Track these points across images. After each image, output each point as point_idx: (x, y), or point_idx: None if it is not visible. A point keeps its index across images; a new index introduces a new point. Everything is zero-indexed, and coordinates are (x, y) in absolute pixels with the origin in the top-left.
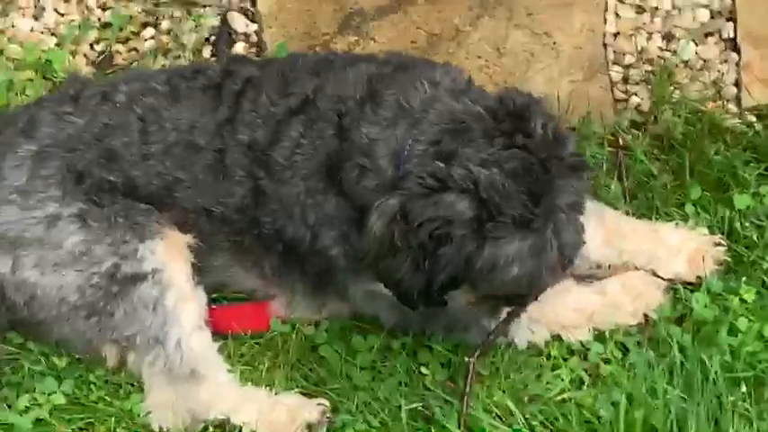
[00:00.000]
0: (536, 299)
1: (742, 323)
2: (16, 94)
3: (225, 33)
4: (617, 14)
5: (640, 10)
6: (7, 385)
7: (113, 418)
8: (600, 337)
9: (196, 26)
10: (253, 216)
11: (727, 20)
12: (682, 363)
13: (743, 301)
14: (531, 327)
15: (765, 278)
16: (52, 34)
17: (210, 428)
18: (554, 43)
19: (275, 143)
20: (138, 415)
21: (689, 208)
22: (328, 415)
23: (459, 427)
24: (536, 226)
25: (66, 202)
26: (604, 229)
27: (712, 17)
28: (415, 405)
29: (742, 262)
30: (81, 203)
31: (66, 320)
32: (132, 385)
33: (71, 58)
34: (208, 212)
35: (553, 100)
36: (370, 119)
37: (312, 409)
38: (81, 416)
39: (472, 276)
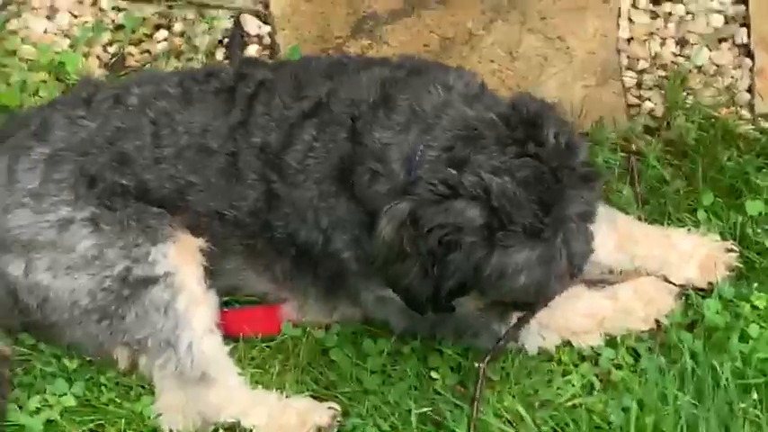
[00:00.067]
0: (545, 305)
1: (753, 330)
2: (29, 95)
3: (238, 36)
4: (630, 20)
5: (654, 15)
6: (19, 386)
7: (124, 420)
8: (611, 342)
9: (209, 28)
10: (265, 220)
11: (741, 25)
12: (693, 369)
13: (754, 307)
14: (541, 332)
15: None
16: (65, 36)
17: (221, 431)
18: (567, 48)
19: (288, 146)
20: (149, 417)
21: (701, 214)
22: (338, 419)
23: None
24: (546, 235)
25: (78, 205)
26: (616, 234)
27: (726, 23)
28: (425, 409)
29: (754, 268)
30: (93, 207)
31: (78, 323)
32: (143, 387)
33: (84, 59)
34: (220, 216)
35: (566, 105)
36: (382, 123)
37: (322, 413)
38: (91, 417)
39: (481, 283)
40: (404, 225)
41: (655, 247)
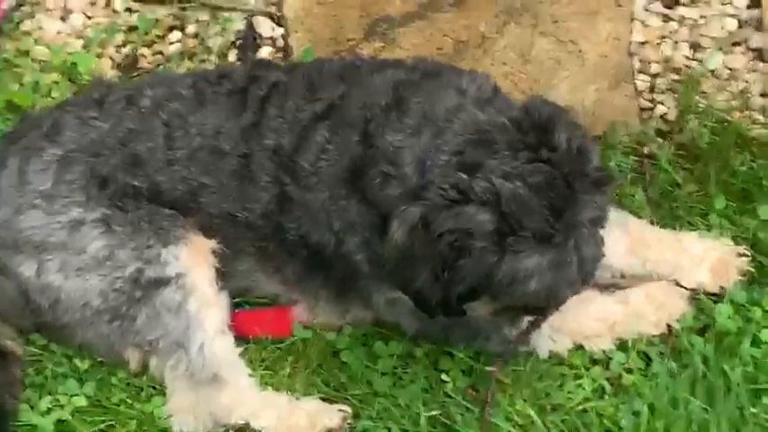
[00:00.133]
0: (556, 310)
1: (765, 334)
2: (42, 96)
3: (250, 38)
4: (643, 23)
5: (667, 19)
6: (30, 386)
7: (134, 421)
8: (622, 346)
9: (222, 30)
10: (277, 222)
11: (755, 29)
12: (704, 373)
13: (766, 312)
14: (553, 336)
15: None
16: (79, 37)
17: None
18: (579, 51)
19: (301, 149)
20: (160, 418)
21: (713, 218)
22: (349, 421)
23: None
24: (557, 241)
25: (90, 206)
26: (628, 238)
27: (740, 26)
28: (435, 412)
29: (766, 273)
30: (105, 208)
31: (89, 324)
32: (154, 388)
33: (97, 60)
34: (232, 218)
35: (578, 108)
36: (394, 126)
37: (332, 415)
38: (102, 418)
39: (492, 288)
40: (415, 229)
41: (666, 251)
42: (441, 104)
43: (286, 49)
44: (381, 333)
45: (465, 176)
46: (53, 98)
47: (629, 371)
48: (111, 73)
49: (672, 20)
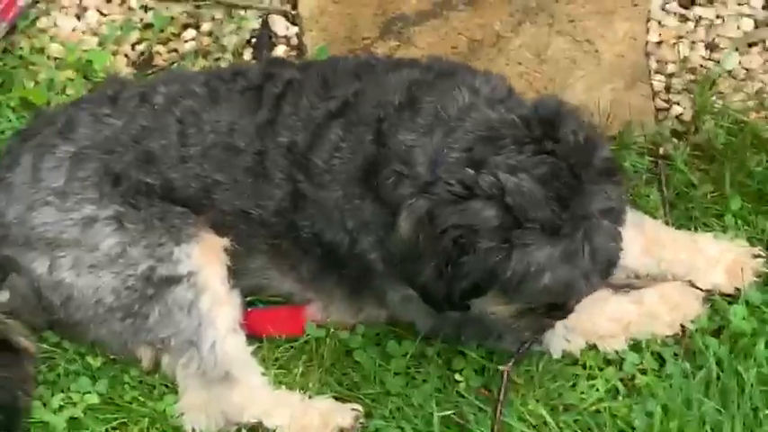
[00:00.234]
0: (574, 309)
1: None
2: (56, 94)
3: (265, 36)
4: (660, 23)
5: (684, 19)
6: (43, 384)
7: (147, 419)
8: (636, 347)
9: (237, 28)
10: (291, 219)
11: None
12: (718, 375)
13: None
14: (566, 336)
15: None
16: (94, 34)
17: (243, 431)
18: (596, 51)
19: (315, 146)
20: (172, 416)
21: (729, 219)
22: (361, 420)
23: None
24: (565, 231)
25: (102, 204)
26: (643, 238)
27: (756, 27)
28: (448, 412)
29: None
30: (117, 206)
31: (101, 322)
32: (166, 386)
33: (112, 58)
34: (246, 215)
35: (594, 108)
36: (407, 125)
37: (345, 414)
38: (115, 416)
39: (504, 286)
40: (421, 222)
41: (681, 251)
42: (453, 104)
43: (301, 48)
44: (394, 332)
45: (471, 172)
46: (68, 96)
47: (643, 371)
48: (126, 70)
49: (688, 20)
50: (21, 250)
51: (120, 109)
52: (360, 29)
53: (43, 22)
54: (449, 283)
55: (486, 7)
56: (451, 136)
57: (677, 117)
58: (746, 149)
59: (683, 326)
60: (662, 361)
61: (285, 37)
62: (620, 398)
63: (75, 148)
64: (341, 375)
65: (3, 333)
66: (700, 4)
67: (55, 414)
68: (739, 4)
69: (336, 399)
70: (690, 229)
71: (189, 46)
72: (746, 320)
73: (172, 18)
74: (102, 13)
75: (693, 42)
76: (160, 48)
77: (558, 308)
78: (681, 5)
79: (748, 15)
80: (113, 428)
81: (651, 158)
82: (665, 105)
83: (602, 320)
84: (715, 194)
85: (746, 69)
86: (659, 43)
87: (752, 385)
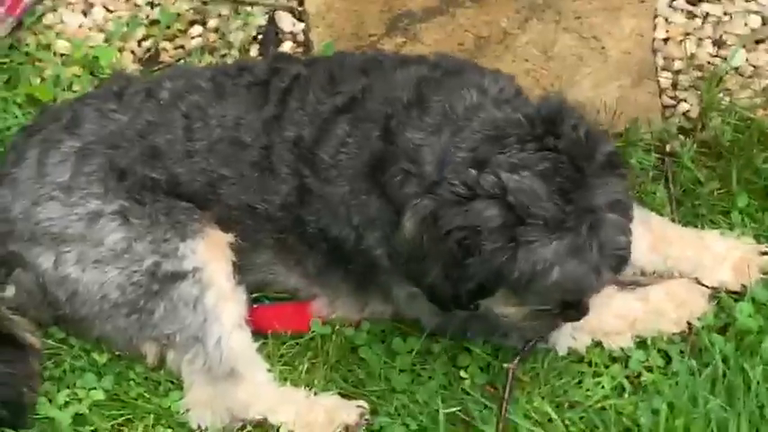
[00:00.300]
0: (588, 309)
1: None
2: (63, 90)
3: (272, 32)
4: (667, 19)
5: (691, 15)
6: (48, 379)
7: (152, 416)
8: (642, 344)
9: (243, 25)
10: (297, 214)
11: None
12: (724, 372)
13: None
14: (572, 333)
15: None
16: (100, 30)
17: (249, 428)
18: (602, 48)
19: (321, 141)
20: (177, 413)
21: (735, 216)
22: (367, 417)
23: None
24: (569, 224)
25: (108, 199)
26: (650, 235)
27: (764, 23)
28: (453, 409)
29: None
30: (123, 201)
31: (106, 317)
32: (172, 383)
33: (118, 54)
34: (252, 209)
35: (600, 105)
36: (415, 124)
37: (350, 411)
38: (120, 412)
39: (513, 288)
40: (425, 224)
41: (688, 248)
42: (461, 103)
43: (307, 44)
44: (400, 329)
45: (474, 172)
46: (74, 92)
47: (649, 369)
48: (132, 67)
49: (695, 16)
50: (26, 245)
51: (126, 104)
52: (366, 25)
53: (49, 19)
54: (455, 284)
55: (493, 4)
56: (459, 135)
57: (684, 114)
58: (753, 146)
59: (689, 323)
60: (668, 358)
61: (291, 33)
62: (626, 395)
63: (80, 144)
64: (346, 372)
65: (8, 329)
66: (707, 1)
67: (60, 410)
68: (746, 1)
69: (342, 396)
70: (696, 227)
71: (195, 42)
72: (753, 318)
73: (178, 14)
74: (108, 10)
75: (700, 39)
76: (166, 44)
77: (572, 306)
78: (688, 2)
79: (756, 12)
80: (119, 425)
81: (658, 155)
82: (672, 102)
83: (608, 317)
84: (722, 191)
85: (754, 66)
86: (666, 40)
87: (758, 383)
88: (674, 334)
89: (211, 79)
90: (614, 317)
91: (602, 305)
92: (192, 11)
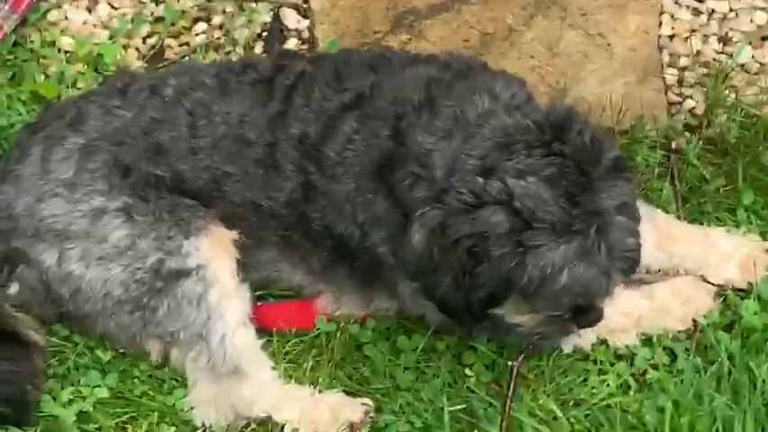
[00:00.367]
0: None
1: None
2: (67, 87)
3: (277, 29)
4: (672, 16)
5: (697, 12)
6: (52, 377)
7: (156, 413)
8: (647, 342)
9: (248, 22)
10: (302, 211)
11: None
12: (729, 370)
13: None
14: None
15: None
16: (105, 27)
17: (253, 425)
18: (608, 44)
19: (327, 138)
20: (181, 410)
21: (741, 213)
22: (371, 415)
23: (502, 431)
24: (576, 227)
25: (112, 195)
26: (656, 233)
27: None
28: (458, 407)
29: None
30: (126, 198)
31: (110, 315)
32: (176, 381)
33: (123, 51)
34: (256, 206)
35: (606, 102)
36: (426, 127)
37: (355, 409)
38: (124, 410)
39: (523, 294)
40: (434, 234)
41: (694, 246)
42: (472, 109)
43: (312, 41)
44: (405, 327)
45: (481, 180)
46: (79, 89)
47: (655, 366)
48: (137, 64)
49: (701, 13)
50: (30, 242)
51: (130, 101)
52: (371, 22)
53: (54, 15)
54: (466, 294)
55: (498, 0)
56: (470, 142)
57: (690, 111)
58: (759, 143)
59: (694, 321)
60: (673, 356)
61: (296, 30)
62: (631, 393)
63: (84, 140)
64: (351, 370)
65: (12, 326)
66: None
67: (64, 408)
68: None
69: (346, 393)
70: (702, 224)
71: (200, 39)
72: (758, 316)
73: (183, 11)
74: (113, 7)
75: (706, 36)
76: (171, 41)
77: (584, 311)
78: None
79: (762, 9)
80: (123, 422)
81: (663, 152)
82: (678, 99)
83: (614, 315)
84: (727, 189)
85: (760, 63)
86: (672, 37)
87: (763, 381)
88: (679, 331)
89: (216, 76)
90: (619, 314)
91: (608, 303)
92: (196, 8)
